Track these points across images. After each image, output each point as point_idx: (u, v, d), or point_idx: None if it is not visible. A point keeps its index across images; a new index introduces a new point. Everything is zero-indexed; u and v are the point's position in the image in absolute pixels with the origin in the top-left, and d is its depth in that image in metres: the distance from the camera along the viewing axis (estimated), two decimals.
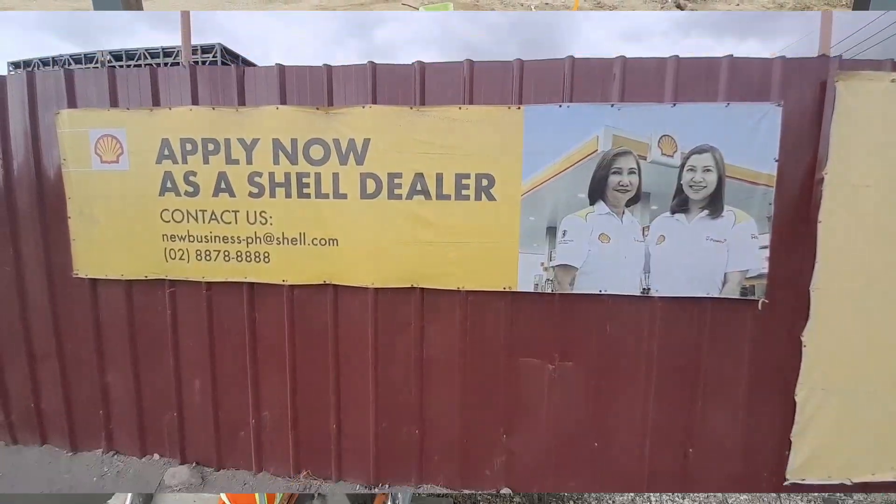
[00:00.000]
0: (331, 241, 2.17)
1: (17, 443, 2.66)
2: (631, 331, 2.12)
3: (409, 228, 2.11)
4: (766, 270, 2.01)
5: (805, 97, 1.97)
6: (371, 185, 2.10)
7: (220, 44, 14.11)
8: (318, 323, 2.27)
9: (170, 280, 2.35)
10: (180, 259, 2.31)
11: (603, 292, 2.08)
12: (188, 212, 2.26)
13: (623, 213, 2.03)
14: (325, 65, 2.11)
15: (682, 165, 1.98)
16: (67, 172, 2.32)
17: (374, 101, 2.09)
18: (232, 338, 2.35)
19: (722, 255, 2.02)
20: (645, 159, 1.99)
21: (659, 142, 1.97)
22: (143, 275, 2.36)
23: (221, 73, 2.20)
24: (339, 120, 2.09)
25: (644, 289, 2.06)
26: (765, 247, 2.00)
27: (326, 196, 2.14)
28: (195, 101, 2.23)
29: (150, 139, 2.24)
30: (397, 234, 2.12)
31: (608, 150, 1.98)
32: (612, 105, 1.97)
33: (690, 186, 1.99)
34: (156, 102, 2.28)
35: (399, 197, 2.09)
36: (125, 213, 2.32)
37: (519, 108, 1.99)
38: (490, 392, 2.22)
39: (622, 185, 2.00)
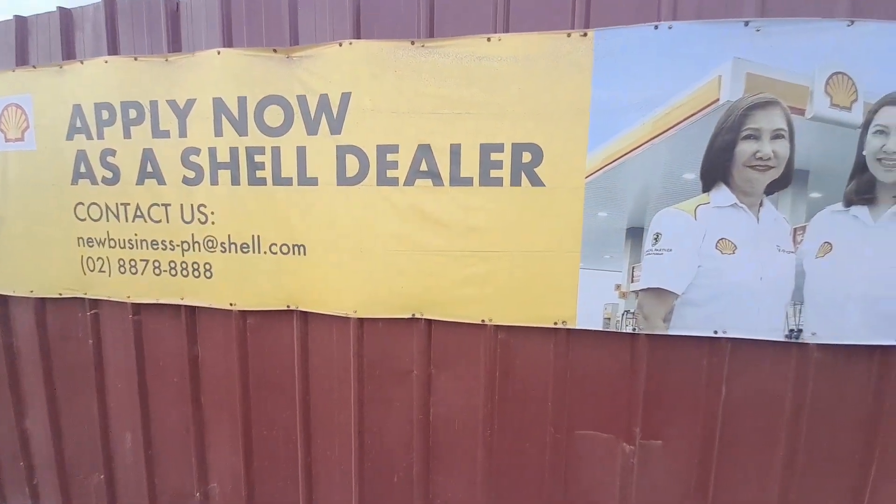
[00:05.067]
0: (295, 249, 1.48)
1: None
2: (764, 398, 1.31)
3: (409, 230, 1.38)
4: None
5: None
6: (353, 165, 1.39)
7: None
8: (280, 366, 1.58)
9: (90, 299, 1.73)
10: (100, 271, 1.68)
11: (720, 335, 1.28)
12: (107, 206, 1.63)
13: (761, 205, 1.23)
14: None
15: (866, 125, 1.16)
16: None
17: (358, 35, 1.38)
18: (169, 380, 1.71)
19: None
20: (803, 114, 1.18)
21: (827, 84, 1.17)
22: (56, 291, 1.75)
23: (148, 6, 1.55)
24: (307, 66, 1.39)
25: (792, 331, 1.25)
26: None
27: (288, 181, 1.45)
28: (113, 50, 1.60)
29: (60, 107, 1.63)
30: (392, 239, 1.40)
31: (739, 100, 1.19)
32: (747, 24, 1.17)
33: (879, 160, 1.17)
34: (69, 55, 1.67)
35: (394, 182, 1.37)
36: (34, 208, 1.72)
37: (585, 34, 1.23)
38: (531, 478, 1.46)
39: (761, 159, 1.20)
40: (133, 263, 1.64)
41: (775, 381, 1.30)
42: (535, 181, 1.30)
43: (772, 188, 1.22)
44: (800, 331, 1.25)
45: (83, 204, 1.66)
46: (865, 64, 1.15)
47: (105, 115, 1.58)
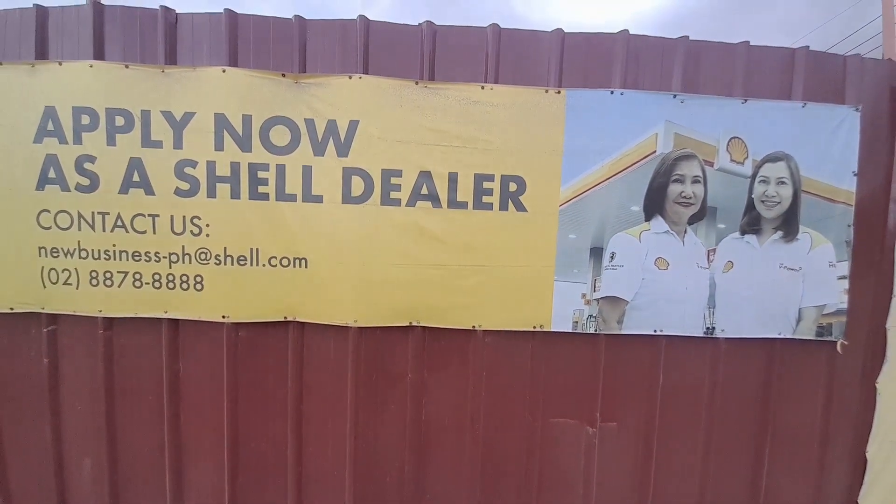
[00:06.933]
0: (297, 262, 1.55)
1: None
2: (689, 381, 1.68)
3: (409, 246, 1.54)
4: (845, 305, 1.66)
5: (881, 103, 1.68)
6: (358, 186, 1.52)
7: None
8: (274, 377, 1.61)
9: (48, 314, 1.60)
10: (65, 283, 1.57)
11: (658, 332, 1.62)
12: (80, 214, 1.54)
13: (685, 232, 1.60)
14: (296, 16, 1.53)
15: (754, 175, 1.60)
16: None
17: (366, 71, 1.53)
18: (142, 399, 1.63)
19: (797, 286, 1.64)
20: (712, 165, 1.58)
21: (728, 145, 1.58)
22: (7, 306, 1.59)
23: (142, 16, 1.54)
24: (315, 93, 1.51)
25: (708, 328, 1.63)
26: (844, 277, 1.65)
27: (292, 198, 1.53)
28: (99, 55, 1.55)
29: (28, 107, 1.53)
30: (393, 254, 1.54)
31: (669, 153, 1.56)
32: (675, 96, 1.55)
33: (763, 202, 1.61)
34: (42, 55, 1.57)
35: (397, 203, 1.53)
36: None
37: (559, 91, 1.52)
38: (511, 465, 1.67)
39: (685, 197, 1.58)
40: (108, 275, 1.56)
41: (697, 367, 1.67)
42: (520, 207, 1.54)
43: (692, 220, 1.60)
44: (713, 328, 1.63)
45: (49, 211, 1.55)
46: (754, 131, 1.59)
47: (85, 119, 1.51)
